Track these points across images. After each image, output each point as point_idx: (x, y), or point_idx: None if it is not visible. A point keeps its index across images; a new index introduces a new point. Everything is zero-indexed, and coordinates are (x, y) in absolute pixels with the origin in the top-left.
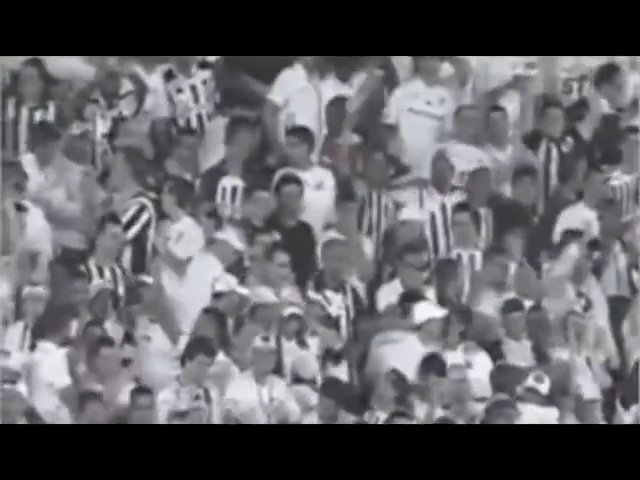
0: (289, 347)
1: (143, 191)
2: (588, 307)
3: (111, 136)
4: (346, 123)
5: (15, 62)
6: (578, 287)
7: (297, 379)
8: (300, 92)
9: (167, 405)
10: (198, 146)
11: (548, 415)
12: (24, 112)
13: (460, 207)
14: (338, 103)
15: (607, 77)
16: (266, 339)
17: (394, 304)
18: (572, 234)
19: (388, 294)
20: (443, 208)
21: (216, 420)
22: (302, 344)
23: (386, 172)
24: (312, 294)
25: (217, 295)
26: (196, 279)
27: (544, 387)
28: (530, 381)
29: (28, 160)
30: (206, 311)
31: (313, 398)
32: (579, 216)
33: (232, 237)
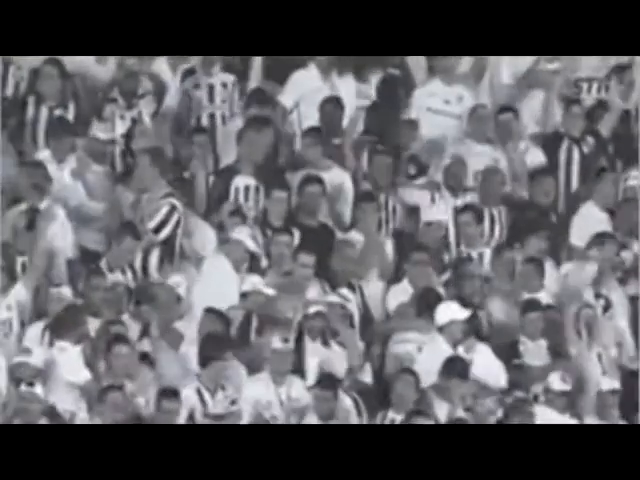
0: (313, 347)
1: (172, 191)
2: (608, 307)
3: (129, 136)
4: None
5: (35, 61)
6: (598, 288)
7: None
8: (314, 92)
9: (189, 403)
10: (210, 145)
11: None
12: (44, 111)
13: (464, 208)
14: (334, 102)
15: (620, 77)
16: (286, 340)
17: (406, 303)
18: (593, 236)
19: (397, 294)
20: (455, 211)
21: (245, 421)
22: (326, 344)
23: (395, 172)
24: (329, 297)
25: (243, 295)
26: (208, 279)
27: (564, 387)
28: (549, 382)
29: (44, 156)
30: (208, 311)
31: (341, 398)
32: (594, 216)
33: (246, 237)
